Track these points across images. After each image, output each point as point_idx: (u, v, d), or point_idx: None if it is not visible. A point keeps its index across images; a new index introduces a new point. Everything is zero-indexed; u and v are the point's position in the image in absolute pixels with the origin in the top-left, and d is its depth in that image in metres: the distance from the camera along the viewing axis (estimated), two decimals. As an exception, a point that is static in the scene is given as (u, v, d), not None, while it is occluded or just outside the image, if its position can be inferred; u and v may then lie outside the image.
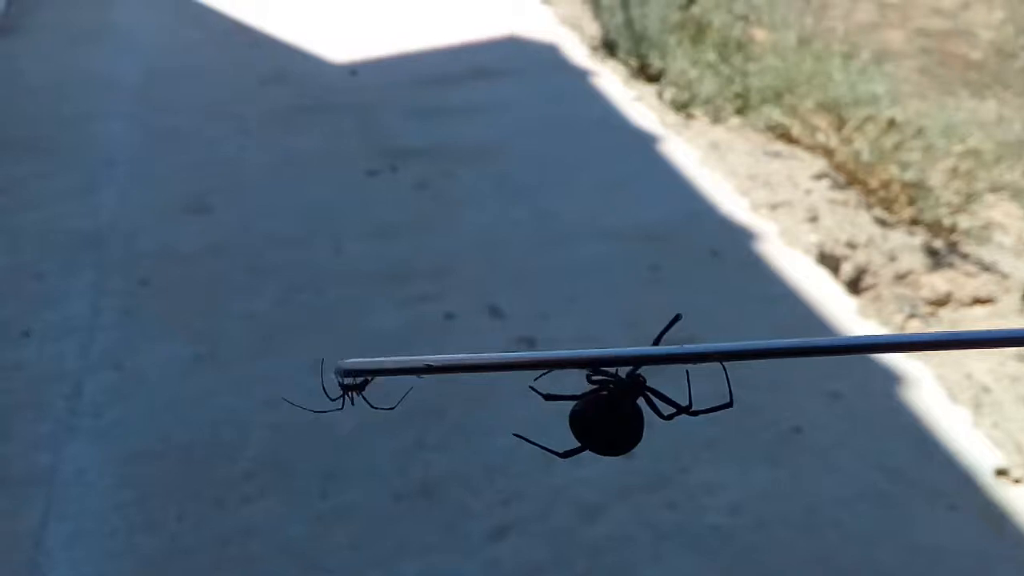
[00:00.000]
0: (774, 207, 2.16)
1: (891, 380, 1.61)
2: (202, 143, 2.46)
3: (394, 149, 2.38)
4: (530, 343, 1.69)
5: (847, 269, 2.05)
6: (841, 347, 0.44)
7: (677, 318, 0.45)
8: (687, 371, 0.41)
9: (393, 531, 1.30)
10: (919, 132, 2.48)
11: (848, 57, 2.87)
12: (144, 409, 1.53)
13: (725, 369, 0.43)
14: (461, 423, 1.51)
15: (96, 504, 1.35)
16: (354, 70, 2.89)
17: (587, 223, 2.04)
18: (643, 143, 2.42)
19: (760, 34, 3.13)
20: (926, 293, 2.08)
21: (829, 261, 2.04)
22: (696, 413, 0.43)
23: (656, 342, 0.43)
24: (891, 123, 2.57)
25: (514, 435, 0.57)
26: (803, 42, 2.99)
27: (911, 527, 1.33)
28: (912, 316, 1.99)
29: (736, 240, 2.00)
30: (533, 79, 2.81)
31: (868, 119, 2.58)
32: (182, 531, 1.30)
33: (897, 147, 2.44)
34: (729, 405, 0.45)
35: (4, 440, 1.47)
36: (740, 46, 2.99)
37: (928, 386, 1.59)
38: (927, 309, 2.03)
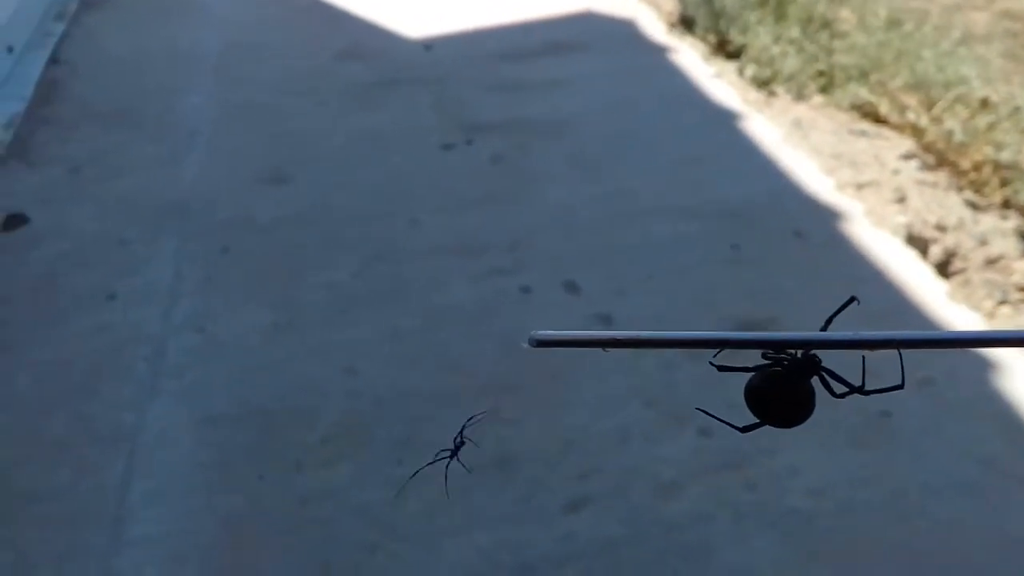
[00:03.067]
0: (860, 187, 2.09)
1: (983, 367, 1.55)
2: (280, 116, 2.49)
3: (470, 123, 2.37)
4: (606, 320, 1.66)
5: (935, 252, 1.98)
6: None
7: (851, 300, 0.47)
8: (863, 356, 0.42)
9: (467, 501, 1.30)
10: (1015, 112, 2.37)
11: (936, 37, 2.77)
12: (225, 373, 1.55)
13: (901, 356, 0.45)
14: (538, 398, 1.49)
15: (177, 463, 1.37)
16: (429, 45, 2.88)
17: (665, 200, 2.00)
18: (723, 120, 2.36)
19: (846, 12, 3.03)
20: (1018, 279, 2.00)
21: (917, 243, 1.97)
22: (868, 393, 0.46)
23: (826, 325, 0.44)
24: (984, 103, 2.47)
25: (696, 408, 0.59)
26: (892, 22, 2.88)
27: (1002, 517, 1.28)
28: (1003, 303, 1.91)
29: (820, 220, 1.94)
30: (610, 54, 2.76)
31: (959, 99, 2.48)
32: (261, 491, 1.31)
33: (991, 128, 2.34)
34: (900, 387, 0.47)
35: (90, 399, 1.50)
36: (825, 23, 2.90)
37: (1021, 371, 1.52)
38: (1018, 295, 1.95)
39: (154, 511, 1.29)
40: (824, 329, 0.42)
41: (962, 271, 1.99)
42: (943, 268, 1.95)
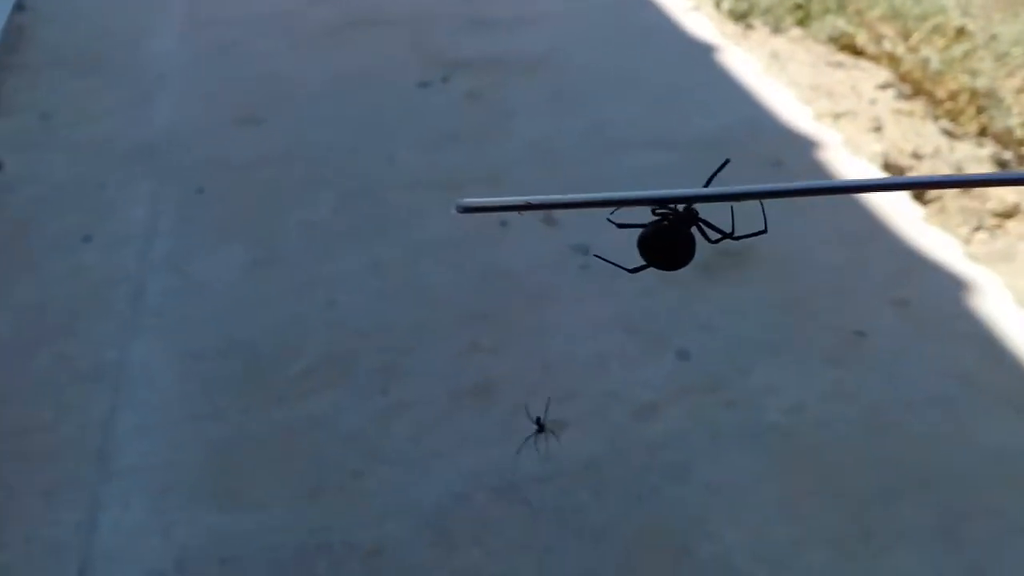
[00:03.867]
0: (837, 116, 2.09)
1: (958, 287, 1.57)
2: (252, 58, 2.45)
3: (445, 61, 2.34)
4: (584, 250, 1.67)
5: (912, 180, 1.99)
6: (856, 187, 0.50)
7: (726, 162, 0.54)
8: (732, 207, 0.50)
9: (452, 426, 1.31)
10: (991, 40, 2.37)
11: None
12: (205, 310, 1.55)
13: (763, 207, 0.53)
14: (517, 327, 1.50)
15: (162, 397, 1.37)
16: (403, -15, 2.84)
17: (643, 132, 2.00)
18: (700, 53, 2.35)
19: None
20: (993, 205, 2.01)
21: (894, 171, 1.98)
22: (737, 238, 0.53)
23: (707, 183, 0.51)
24: (960, 32, 2.47)
25: (594, 256, 0.70)
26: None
27: (977, 430, 1.31)
28: (978, 228, 1.93)
29: (799, 149, 1.94)
30: (586, -9, 2.74)
31: (935, 29, 2.47)
32: (247, 422, 1.32)
33: (967, 56, 2.34)
34: (764, 231, 0.55)
35: (70, 337, 1.50)
36: (802, -45, 2.87)
37: (995, 293, 1.54)
38: (993, 221, 1.97)
39: (140, 444, 1.30)
40: (705, 186, 0.49)
41: (938, 199, 2.00)
42: (919, 195, 1.96)
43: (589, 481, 1.23)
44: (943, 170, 2.03)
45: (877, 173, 1.90)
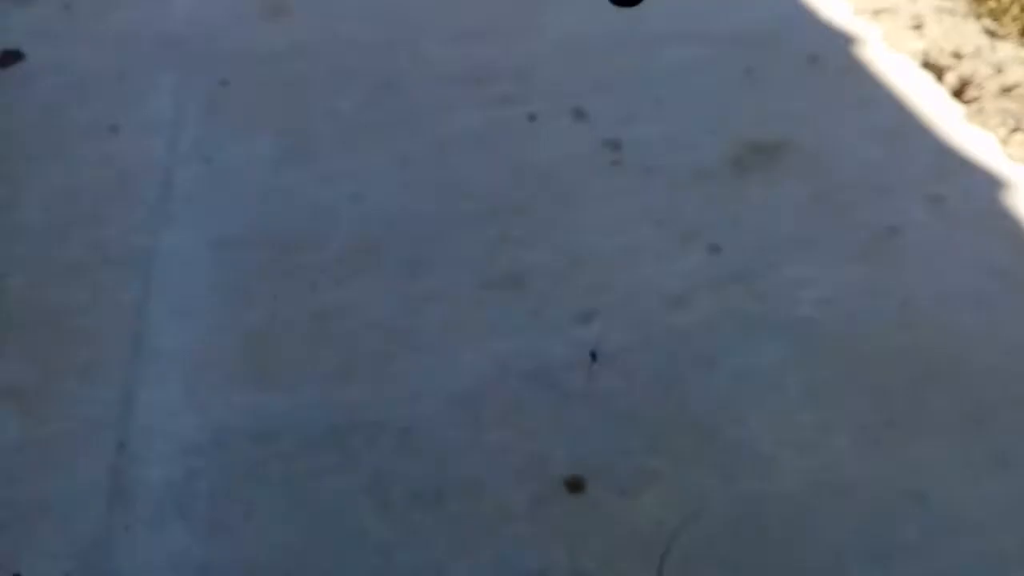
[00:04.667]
0: (877, 13, 2.02)
1: (994, 186, 1.55)
2: (276, -50, 2.39)
3: (473, -47, 2.28)
4: (615, 146, 1.64)
5: (951, 80, 1.94)
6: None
7: None
8: None
9: (481, 315, 1.32)
10: (1041, -66, 2.27)
11: None
12: (234, 199, 1.55)
13: None
14: (546, 220, 1.50)
15: (193, 283, 1.39)
16: None
17: (676, 26, 1.95)
18: (736, -54, 2.27)
19: None
20: (1034, 107, 1.96)
21: (933, 70, 1.92)
22: None
23: None
24: (1009, -73, 2.36)
25: None
26: None
27: (1008, 324, 1.30)
28: (1016, 130, 1.89)
29: (836, 45, 1.89)
30: None
31: (983, -76, 2.37)
32: (279, 308, 1.33)
33: (1014, -49, 2.24)
34: None
35: (101, 224, 1.50)
36: None
37: (1034, 192, 1.52)
38: (1034, 124, 1.92)
39: (173, 326, 1.32)
40: None
41: (976, 99, 1.95)
42: (958, 95, 1.91)
43: (619, 368, 1.24)
44: (983, 71, 1.98)
45: (916, 70, 1.85)
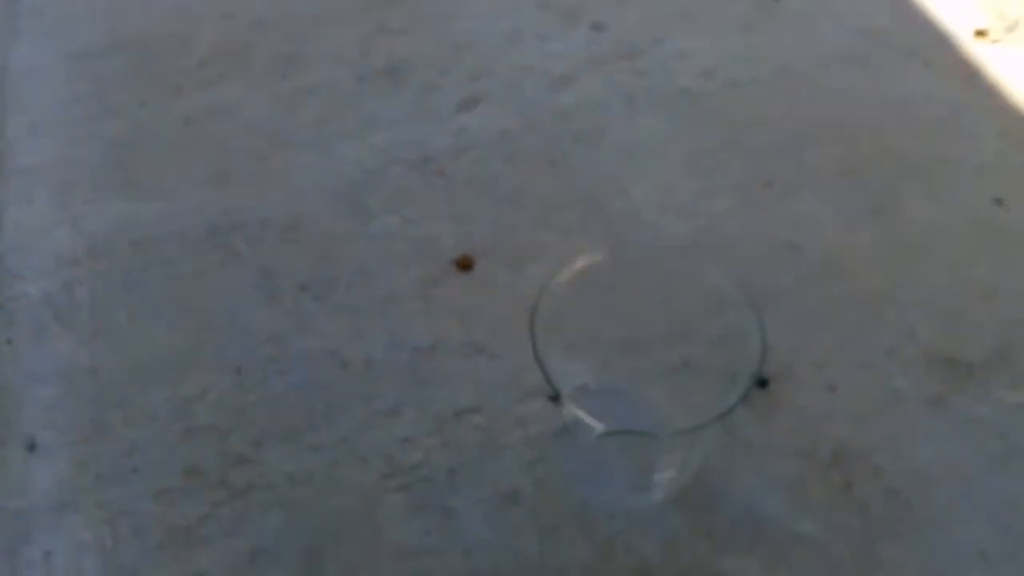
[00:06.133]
0: None
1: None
2: None
3: None
4: None
5: None
6: None
7: None
8: None
9: (359, 108, 1.28)
10: None
11: None
12: (87, 7, 1.44)
13: None
14: (425, 9, 1.44)
15: (52, 98, 1.31)
16: None
17: None
18: None
19: None
20: None
21: None
22: None
23: None
24: None
25: None
26: None
27: (885, 83, 1.32)
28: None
29: None
30: None
31: None
32: (145, 116, 1.27)
33: None
34: None
35: (-56, 44, 1.39)
36: None
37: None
38: None
39: (35, 143, 1.25)
40: None
41: None
42: None
43: (503, 151, 1.23)
44: None
45: None
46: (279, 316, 1.05)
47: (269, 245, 1.12)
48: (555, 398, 0.71)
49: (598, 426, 0.71)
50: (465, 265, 1.10)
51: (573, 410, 0.71)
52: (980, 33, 1.41)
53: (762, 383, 0.98)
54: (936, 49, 1.37)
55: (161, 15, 1.42)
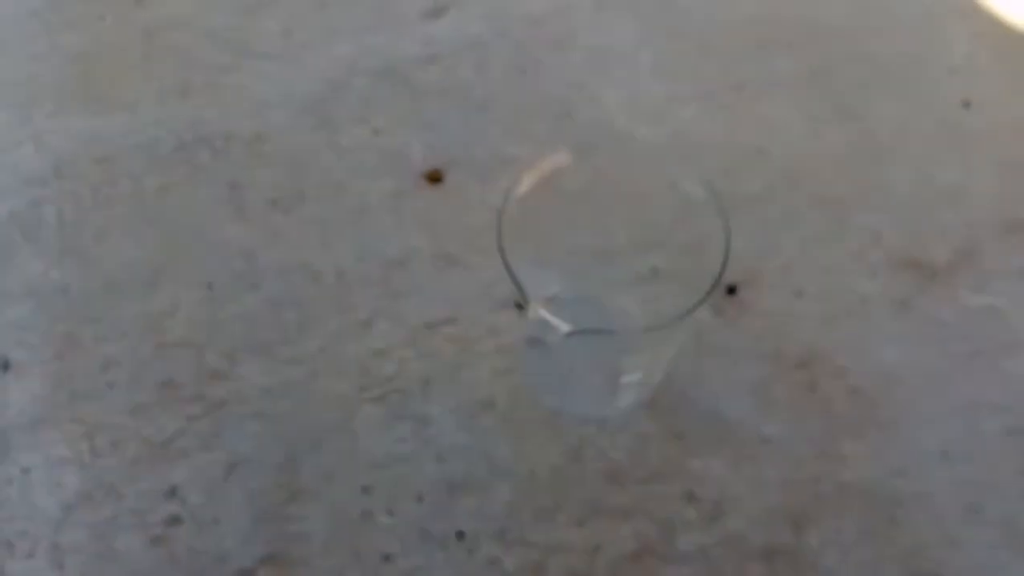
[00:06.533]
0: None
1: None
2: None
3: None
4: None
5: None
6: None
7: None
8: None
9: (324, 18, 1.25)
10: None
11: None
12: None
13: None
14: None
15: (7, 11, 1.27)
16: None
17: None
18: None
19: None
20: None
21: None
22: None
23: None
24: None
25: None
26: None
27: (857, -15, 1.30)
28: None
29: None
30: None
31: None
32: (104, 29, 1.24)
33: None
34: None
35: None
36: None
37: None
38: None
39: (-10, 59, 1.22)
40: None
41: None
42: None
43: (471, 60, 1.21)
44: None
45: None
46: (249, 230, 1.05)
47: (235, 158, 1.11)
48: (520, 306, 0.72)
49: (563, 327, 0.72)
50: (434, 177, 1.10)
51: (538, 313, 0.72)
52: (956, -69, 1.39)
53: (730, 290, 1.00)
54: (911, -52, 1.35)
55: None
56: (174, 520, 0.87)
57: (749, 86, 1.18)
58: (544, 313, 0.72)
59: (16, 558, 0.85)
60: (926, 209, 1.07)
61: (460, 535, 0.86)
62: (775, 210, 1.06)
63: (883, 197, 1.08)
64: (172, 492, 0.88)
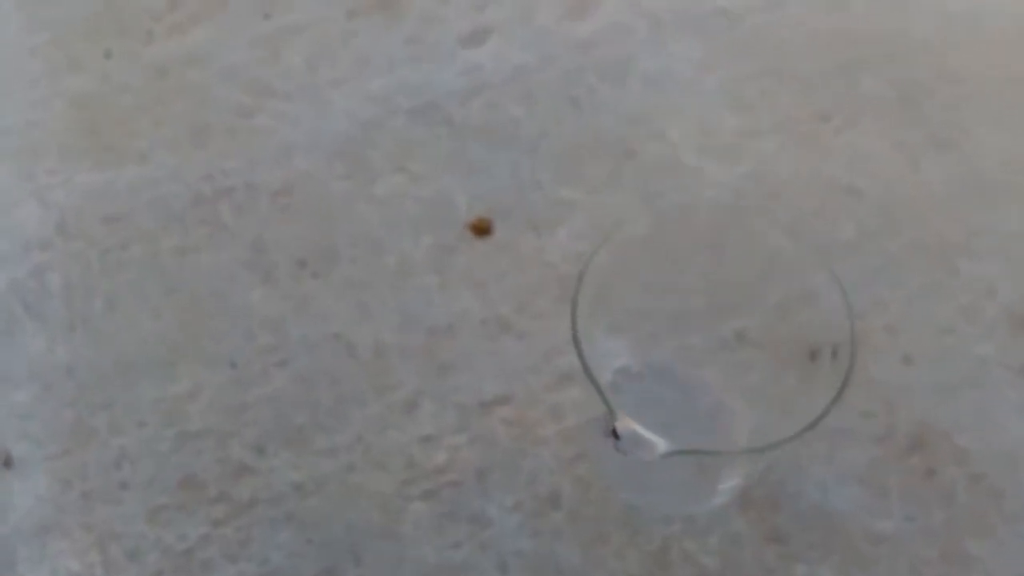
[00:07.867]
0: None
1: None
2: None
3: None
4: None
5: None
6: None
7: None
8: None
9: (353, 49, 1.14)
10: None
11: None
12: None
13: None
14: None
15: (6, 52, 1.16)
16: None
17: None
18: None
19: None
20: None
21: None
22: None
23: None
24: None
25: None
26: None
27: (943, -7, 1.17)
28: None
29: None
30: None
31: None
32: (112, 69, 1.13)
33: None
34: None
35: None
36: None
37: None
38: None
39: (-10, 105, 1.11)
40: None
41: None
42: None
43: (517, 92, 1.09)
44: None
45: None
46: (275, 298, 0.93)
47: (259, 214, 0.99)
48: (615, 434, 0.59)
49: (661, 444, 0.60)
50: (482, 229, 0.98)
51: (629, 428, 0.60)
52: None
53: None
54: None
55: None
56: (198, 646, 0.76)
57: (833, 115, 1.04)
58: (637, 428, 0.59)
59: None
60: (1046, 254, 0.94)
61: (528, 662, 0.74)
62: (873, 260, 0.93)
63: (994, 241, 0.95)
64: (195, 613, 0.77)
